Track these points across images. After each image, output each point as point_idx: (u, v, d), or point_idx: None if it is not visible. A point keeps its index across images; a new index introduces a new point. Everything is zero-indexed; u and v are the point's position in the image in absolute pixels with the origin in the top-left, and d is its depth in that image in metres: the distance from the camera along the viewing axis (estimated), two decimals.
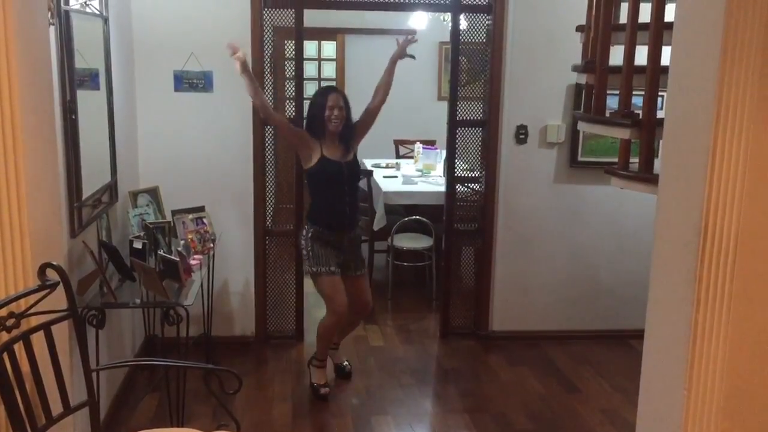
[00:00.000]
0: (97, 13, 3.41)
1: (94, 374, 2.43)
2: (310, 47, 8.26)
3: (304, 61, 4.46)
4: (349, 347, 4.61)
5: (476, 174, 4.73)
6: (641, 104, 2.70)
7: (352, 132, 3.92)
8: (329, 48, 8.51)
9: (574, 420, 3.77)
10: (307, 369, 4.13)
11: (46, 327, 2.16)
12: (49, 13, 2.64)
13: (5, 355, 1.99)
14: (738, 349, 1.88)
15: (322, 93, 3.87)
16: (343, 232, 3.90)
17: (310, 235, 3.87)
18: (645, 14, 2.67)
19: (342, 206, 3.88)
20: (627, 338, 4.68)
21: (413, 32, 3.93)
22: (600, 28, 2.91)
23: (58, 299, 2.20)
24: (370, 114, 4.03)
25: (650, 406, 2.33)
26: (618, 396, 4.02)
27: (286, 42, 5.22)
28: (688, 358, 1.99)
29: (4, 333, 2.01)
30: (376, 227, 5.59)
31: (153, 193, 4.01)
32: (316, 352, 4.09)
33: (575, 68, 3.34)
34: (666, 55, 2.33)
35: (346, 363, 4.25)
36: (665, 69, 2.30)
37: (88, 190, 3.15)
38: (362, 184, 5.81)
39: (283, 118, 4.16)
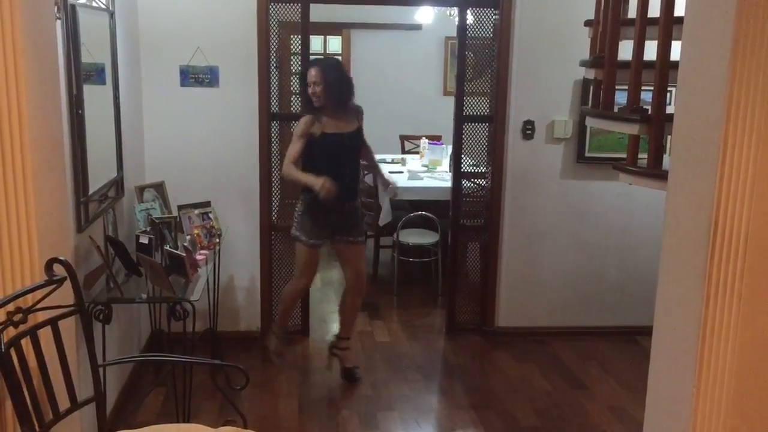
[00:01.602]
0: (104, 7, 3.40)
1: (100, 369, 2.43)
2: (315, 42, 8.24)
3: (310, 56, 4.44)
4: (355, 343, 4.61)
5: (482, 169, 4.71)
6: (650, 99, 2.68)
7: (345, 102, 3.84)
8: (335, 43, 8.50)
9: (581, 417, 3.76)
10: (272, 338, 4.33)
11: (53, 322, 2.16)
12: (56, 8, 2.64)
13: (13, 350, 1.99)
14: (748, 347, 1.86)
15: (303, 68, 3.92)
16: (341, 202, 3.85)
17: (308, 201, 3.88)
18: (654, 8, 2.66)
19: (341, 177, 3.78)
20: (634, 335, 4.67)
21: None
22: (608, 23, 2.89)
23: (64, 294, 2.20)
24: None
25: (659, 404, 2.32)
26: (625, 393, 4.01)
27: (291, 37, 5.20)
28: (697, 355, 1.98)
29: (11, 328, 2.01)
30: (381, 223, 5.58)
31: (159, 188, 4.01)
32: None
33: (583, 63, 3.33)
34: (676, 50, 2.32)
35: (357, 369, 4.17)
36: (675, 64, 2.28)
37: (94, 185, 3.15)
38: (368, 179, 5.81)
39: (297, 152, 3.86)
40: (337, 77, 3.83)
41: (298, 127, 3.85)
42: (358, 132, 3.95)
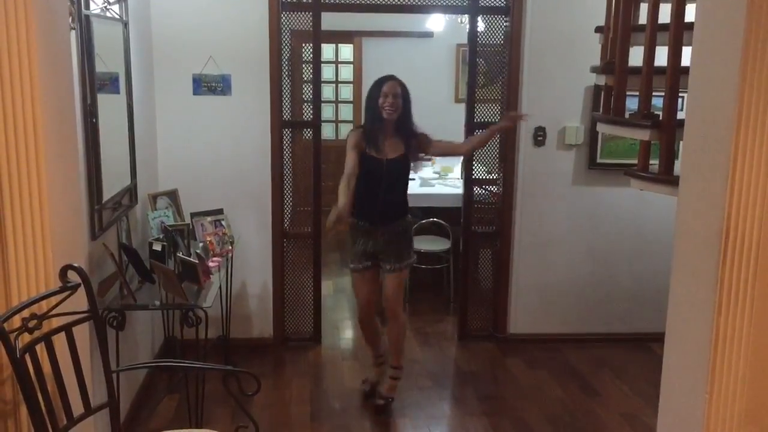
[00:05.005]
0: (117, 17, 3.44)
1: (114, 375, 2.45)
2: (327, 50, 8.28)
3: (322, 64, 4.47)
4: (365, 351, 4.60)
5: (494, 176, 4.72)
6: (661, 105, 2.68)
7: (407, 128, 3.78)
8: (346, 51, 8.53)
9: (594, 424, 3.74)
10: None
11: (67, 328, 2.18)
12: (70, 18, 2.67)
13: (27, 356, 2.01)
14: (760, 352, 1.86)
15: (378, 82, 3.77)
16: (375, 226, 3.77)
17: (352, 227, 3.79)
18: (665, 15, 2.66)
19: (374, 202, 3.74)
20: (647, 341, 4.64)
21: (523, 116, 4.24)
22: (619, 29, 2.89)
23: (79, 301, 2.22)
24: (447, 149, 4.06)
25: (671, 410, 2.31)
26: (638, 400, 3.99)
27: (303, 45, 5.23)
28: (710, 361, 1.97)
29: (26, 334, 2.03)
30: None
31: (172, 195, 4.04)
32: None
33: (594, 69, 3.33)
34: (686, 56, 2.32)
35: (390, 401, 3.90)
36: (685, 70, 2.28)
37: (108, 193, 3.18)
38: None
39: (351, 168, 3.73)
40: (408, 95, 3.80)
41: (348, 140, 3.77)
42: (402, 159, 3.80)
